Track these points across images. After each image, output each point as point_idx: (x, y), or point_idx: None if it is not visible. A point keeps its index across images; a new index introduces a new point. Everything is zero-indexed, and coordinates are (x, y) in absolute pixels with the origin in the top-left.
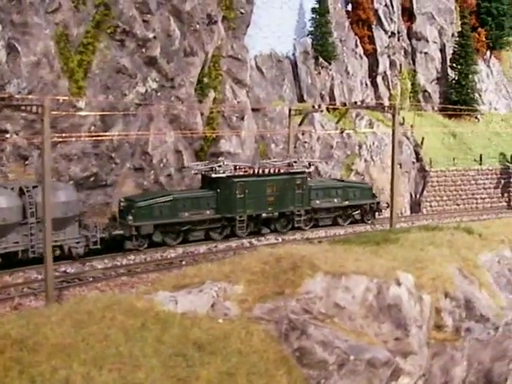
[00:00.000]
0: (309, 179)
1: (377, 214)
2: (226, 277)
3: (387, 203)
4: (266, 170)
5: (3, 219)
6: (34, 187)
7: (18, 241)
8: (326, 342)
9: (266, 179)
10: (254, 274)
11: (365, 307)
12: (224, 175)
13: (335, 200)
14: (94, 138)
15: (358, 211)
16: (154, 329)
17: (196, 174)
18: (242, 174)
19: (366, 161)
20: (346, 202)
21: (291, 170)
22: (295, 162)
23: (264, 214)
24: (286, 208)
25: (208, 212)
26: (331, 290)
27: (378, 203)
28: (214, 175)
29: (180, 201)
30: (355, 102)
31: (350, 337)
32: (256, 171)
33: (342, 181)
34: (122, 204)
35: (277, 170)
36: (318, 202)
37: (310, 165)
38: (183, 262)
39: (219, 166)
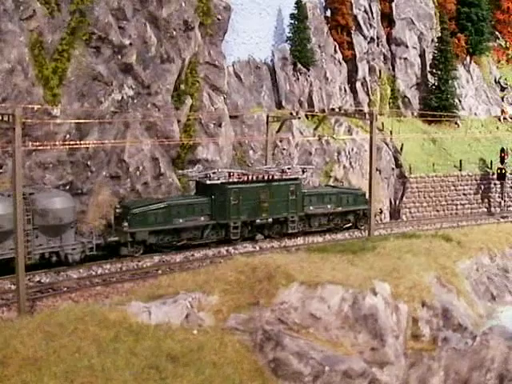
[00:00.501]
0: (303, 185)
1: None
2: (200, 287)
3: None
4: (260, 177)
5: (0, 226)
6: (30, 194)
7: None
8: (301, 353)
9: (260, 186)
10: (228, 284)
11: (340, 317)
12: (218, 182)
13: (329, 206)
14: (70, 146)
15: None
16: (126, 341)
17: (190, 180)
18: (236, 180)
19: (344, 167)
20: (340, 208)
21: (285, 177)
22: (289, 168)
23: (258, 220)
24: (279, 214)
25: (202, 218)
26: (306, 300)
27: None
28: (208, 182)
29: (175, 207)
30: (333, 109)
31: (326, 347)
32: (250, 178)
33: (336, 187)
34: (117, 210)
35: (271, 177)
36: (311, 208)
37: (303, 171)
38: (159, 271)
39: (213, 173)
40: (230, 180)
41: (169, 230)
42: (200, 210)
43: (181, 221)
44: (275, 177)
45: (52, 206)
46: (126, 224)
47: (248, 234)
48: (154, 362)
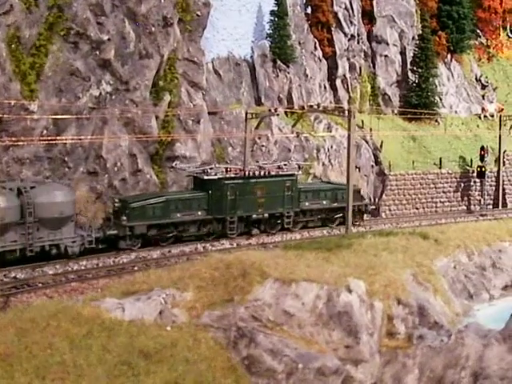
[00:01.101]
0: (298, 181)
1: (365, 215)
2: (174, 283)
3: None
4: (257, 173)
5: (1, 218)
6: (31, 188)
7: (15, 239)
8: (274, 351)
9: (257, 181)
10: (203, 281)
11: (315, 315)
12: (215, 177)
13: (324, 202)
14: (47, 142)
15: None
16: (99, 337)
17: (188, 176)
18: (232, 176)
19: (324, 164)
20: (335, 204)
21: (281, 173)
22: (285, 164)
23: (254, 216)
24: (275, 209)
25: (199, 213)
26: (281, 297)
27: (366, 205)
28: (205, 177)
29: (172, 202)
30: (311, 106)
31: (300, 345)
32: (246, 174)
33: (331, 183)
34: (116, 205)
35: (267, 173)
36: (307, 203)
37: (299, 167)
38: (135, 268)
39: (211, 169)
40: (227, 175)
41: (167, 224)
42: (197, 205)
43: (178, 215)
44: (271, 173)
45: (53, 199)
46: (124, 218)
47: (244, 229)
48: (127, 359)
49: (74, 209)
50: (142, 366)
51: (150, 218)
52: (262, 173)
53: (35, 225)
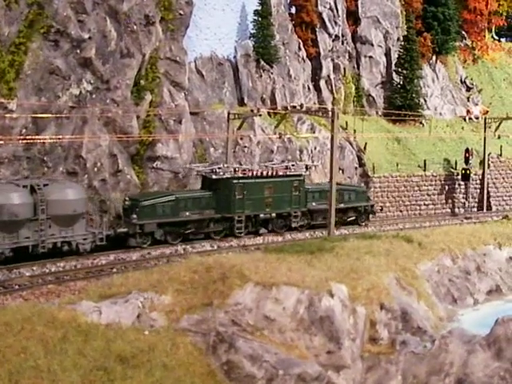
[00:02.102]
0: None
1: (371, 216)
2: (153, 286)
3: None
4: (265, 173)
5: (15, 215)
6: (44, 185)
7: (28, 236)
8: (254, 356)
9: (264, 181)
10: (182, 284)
11: (296, 319)
12: (224, 176)
13: None
14: (26, 141)
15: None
16: (75, 341)
17: (197, 174)
18: (241, 175)
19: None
20: (342, 205)
21: (289, 173)
22: (293, 165)
23: (262, 215)
24: (283, 209)
25: (208, 212)
26: (261, 301)
27: (373, 206)
28: (214, 176)
29: (182, 200)
30: (294, 106)
31: (280, 350)
32: (255, 173)
33: (338, 184)
34: (126, 203)
35: (275, 173)
36: (314, 203)
37: (307, 168)
38: (114, 270)
39: (219, 168)
40: (235, 175)
41: (176, 223)
42: (206, 204)
43: (187, 214)
44: (279, 173)
45: (65, 196)
46: (134, 216)
47: (252, 228)
48: (103, 363)
49: (85, 206)
50: (118, 371)
51: (159, 216)
52: (270, 173)
53: (48, 222)
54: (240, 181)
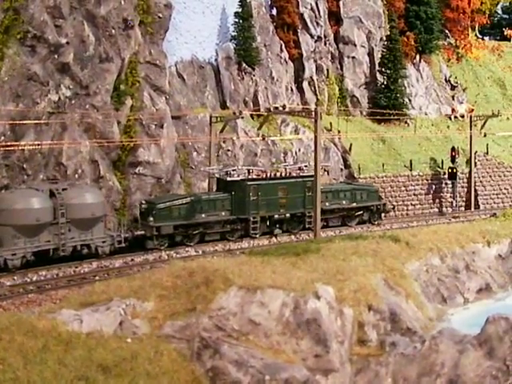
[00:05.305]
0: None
1: (383, 215)
2: (135, 293)
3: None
4: (278, 174)
5: (37, 219)
6: (63, 189)
7: (49, 240)
8: (240, 362)
9: (278, 182)
10: (165, 289)
11: (282, 323)
12: (238, 178)
13: (343, 202)
14: (4, 149)
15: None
16: (55, 350)
17: (211, 177)
18: (255, 177)
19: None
20: (354, 204)
21: (302, 174)
22: (306, 166)
23: (276, 216)
24: (297, 209)
25: (223, 213)
26: (245, 305)
27: (384, 205)
28: (228, 178)
29: (197, 203)
30: (276, 108)
31: (266, 355)
32: (268, 175)
33: (350, 183)
34: (143, 206)
35: (288, 174)
36: (327, 203)
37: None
38: (96, 277)
39: (234, 170)
40: (250, 177)
41: (192, 225)
42: (221, 206)
43: (203, 216)
44: (293, 174)
45: (84, 200)
46: (151, 219)
47: (266, 229)
48: (85, 373)
49: (104, 210)
50: (100, 381)
51: (175, 219)
52: (284, 174)
53: (67, 225)
54: (254, 182)
